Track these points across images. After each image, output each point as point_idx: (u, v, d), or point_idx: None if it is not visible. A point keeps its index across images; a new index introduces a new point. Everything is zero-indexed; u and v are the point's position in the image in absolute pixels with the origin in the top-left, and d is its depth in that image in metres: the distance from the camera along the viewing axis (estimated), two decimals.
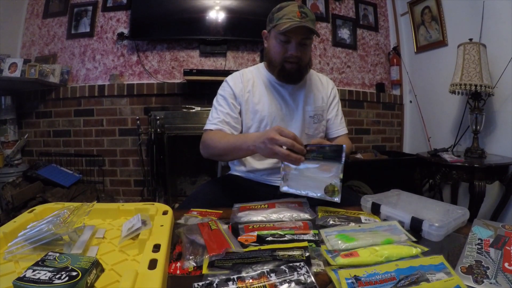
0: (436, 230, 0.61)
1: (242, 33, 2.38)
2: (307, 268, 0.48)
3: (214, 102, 1.10)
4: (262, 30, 1.09)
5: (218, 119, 1.04)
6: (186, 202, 0.99)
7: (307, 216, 0.74)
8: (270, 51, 1.05)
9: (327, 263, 0.52)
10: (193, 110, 2.31)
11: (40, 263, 0.45)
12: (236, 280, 0.45)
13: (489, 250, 0.54)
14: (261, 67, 1.14)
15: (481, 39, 1.92)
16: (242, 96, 1.08)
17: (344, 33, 2.74)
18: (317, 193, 0.79)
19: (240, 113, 1.08)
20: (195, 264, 0.51)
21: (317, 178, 0.78)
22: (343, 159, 0.75)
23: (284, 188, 0.83)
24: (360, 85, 2.78)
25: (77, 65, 2.44)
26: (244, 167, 1.13)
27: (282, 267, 0.48)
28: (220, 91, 1.11)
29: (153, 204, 0.72)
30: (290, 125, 1.09)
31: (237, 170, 1.16)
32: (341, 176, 0.76)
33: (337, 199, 0.77)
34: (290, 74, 1.03)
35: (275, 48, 1.01)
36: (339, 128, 1.17)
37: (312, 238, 0.60)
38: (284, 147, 0.75)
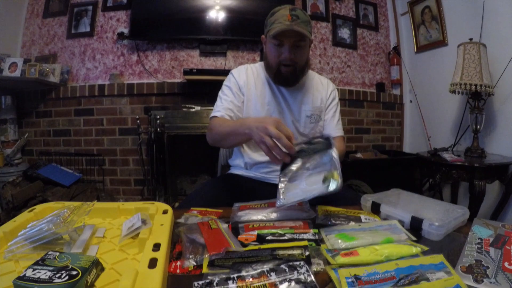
0: (436, 229, 0.61)
1: (242, 33, 2.38)
2: (307, 267, 0.48)
3: (220, 92, 1.14)
4: (262, 30, 1.10)
5: (222, 106, 1.07)
6: (185, 201, 0.99)
7: (307, 215, 0.74)
8: (267, 56, 1.08)
9: (327, 262, 0.52)
10: (193, 110, 2.31)
11: (40, 262, 0.45)
12: (236, 279, 0.45)
13: (489, 249, 0.54)
14: (264, 65, 1.16)
15: (481, 39, 1.92)
16: (245, 87, 1.11)
17: (344, 33, 2.74)
18: (315, 192, 0.67)
19: (243, 103, 1.11)
20: (195, 263, 0.51)
21: (313, 176, 0.71)
22: (333, 145, 0.72)
23: (280, 202, 0.71)
24: (360, 85, 2.78)
25: (77, 64, 2.44)
26: (243, 159, 1.13)
27: (282, 266, 0.48)
28: (225, 82, 1.15)
29: (153, 203, 0.72)
30: (286, 121, 1.11)
31: (236, 166, 1.17)
32: (338, 163, 0.68)
33: (335, 186, 0.65)
34: (285, 77, 1.05)
35: (271, 52, 1.04)
36: (333, 130, 1.16)
37: (312, 237, 0.60)
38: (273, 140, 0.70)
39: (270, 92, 1.12)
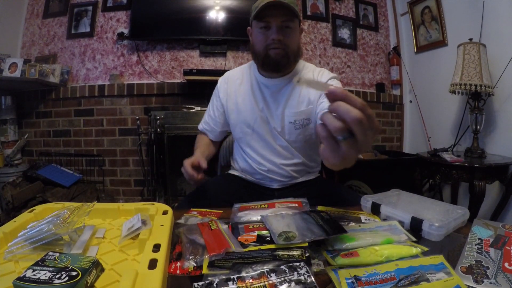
0: (436, 230, 0.61)
1: (242, 33, 2.34)
2: (307, 268, 0.48)
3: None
4: None
5: (203, 120, 1.15)
6: (185, 200, 0.99)
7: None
8: (253, 45, 0.99)
9: (327, 263, 0.52)
10: (193, 110, 2.31)
11: (40, 263, 0.45)
12: (236, 280, 0.45)
13: (489, 250, 0.54)
14: (252, 65, 1.09)
15: (481, 39, 1.92)
16: (226, 95, 1.08)
17: (344, 33, 2.74)
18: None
19: (224, 113, 1.11)
20: (195, 264, 0.51)
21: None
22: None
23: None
24: (360, 85, 2.78)
25: (77, 65, 2.44)
26: (239, 164, 1.14)
27: (282, 267, 0.48)
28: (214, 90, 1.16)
29: (153, 204, 0.72)
30: (268, 128, 1.04)
31: (235, 169, 1.17)
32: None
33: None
34: (275, 61, 0.94)
35: (257, 38, 0.95)
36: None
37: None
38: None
39: (254, 97, 1.04)
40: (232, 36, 2.40)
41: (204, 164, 0.90)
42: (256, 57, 1.00)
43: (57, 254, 0.47)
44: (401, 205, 0.76)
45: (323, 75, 1.04)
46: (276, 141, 1.04)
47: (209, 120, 1.12)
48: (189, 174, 0.87)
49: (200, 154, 1.05)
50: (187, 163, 0.90)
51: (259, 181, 1.10)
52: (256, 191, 1.07)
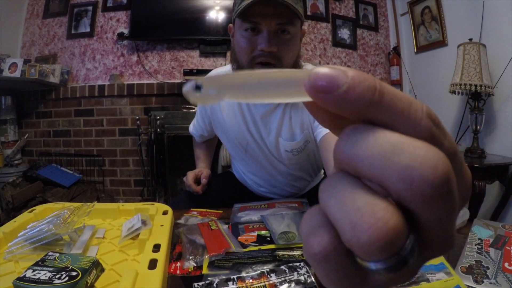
0: None
1: None
2: (307, 268, 0.48)
3: None
4: None
5: (193, 122, 1.10)
6: (184, 194, 0.98)
7: None
8: (235, 52, 0.76)
9: None
10: (193, 110, 2.31)
11: (40, 263, 0.45)
12: (236, 280, 0.45)
13: (489, 250, 0.54)
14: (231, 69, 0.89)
15: (481, 39, 1.92)
16: (209, 106, 0.91)
17: (344, 33, 2.74)
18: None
19: (212, 123, 0.97)
20: (195, 264, 0.51)
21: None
22: None
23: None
24: None
25: (77, 65, 2.44)
26: (238, 174, 1.10)
27: (282, 267, 0.48)
28: None
29: (153, 204, 0.72)
30: (263, 154, 0.89)
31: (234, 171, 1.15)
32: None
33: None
34: None
35: (240, 44, 0.71)
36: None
37: None
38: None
39: (241, 118, 0.84)
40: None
41: (205, 182, 0.95)
42: (237, 69, 0.77)
43: (57, 254, 0.47)
44: None
45: None
46: (274, 165, 0.91)
47: (197, 126, 1.05)
48: (192, 188, 0.92)
49: (204, 165, 1.09)
50: (191, 176, 0.95)
51: (262, 191, 1.03)
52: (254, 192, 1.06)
